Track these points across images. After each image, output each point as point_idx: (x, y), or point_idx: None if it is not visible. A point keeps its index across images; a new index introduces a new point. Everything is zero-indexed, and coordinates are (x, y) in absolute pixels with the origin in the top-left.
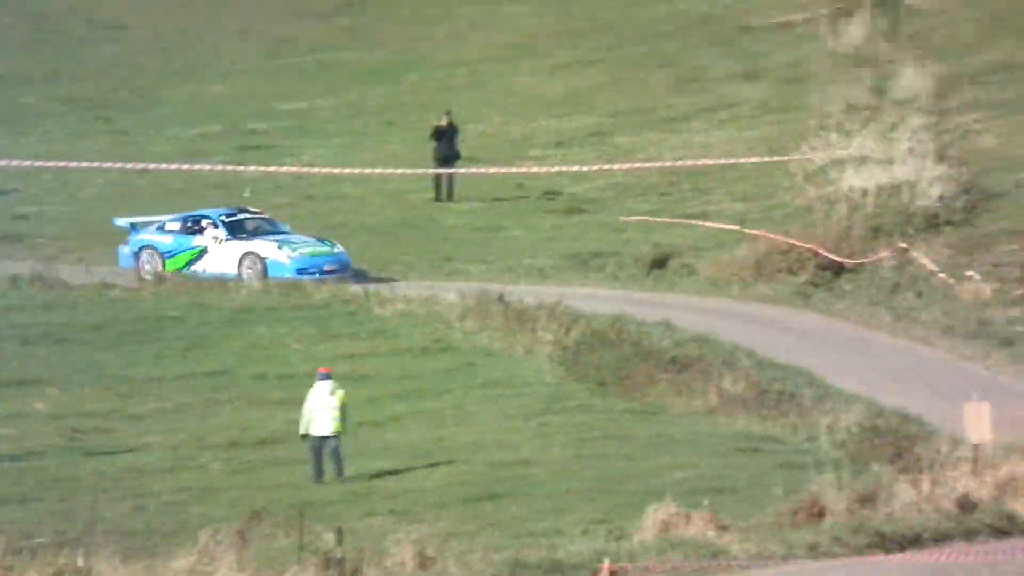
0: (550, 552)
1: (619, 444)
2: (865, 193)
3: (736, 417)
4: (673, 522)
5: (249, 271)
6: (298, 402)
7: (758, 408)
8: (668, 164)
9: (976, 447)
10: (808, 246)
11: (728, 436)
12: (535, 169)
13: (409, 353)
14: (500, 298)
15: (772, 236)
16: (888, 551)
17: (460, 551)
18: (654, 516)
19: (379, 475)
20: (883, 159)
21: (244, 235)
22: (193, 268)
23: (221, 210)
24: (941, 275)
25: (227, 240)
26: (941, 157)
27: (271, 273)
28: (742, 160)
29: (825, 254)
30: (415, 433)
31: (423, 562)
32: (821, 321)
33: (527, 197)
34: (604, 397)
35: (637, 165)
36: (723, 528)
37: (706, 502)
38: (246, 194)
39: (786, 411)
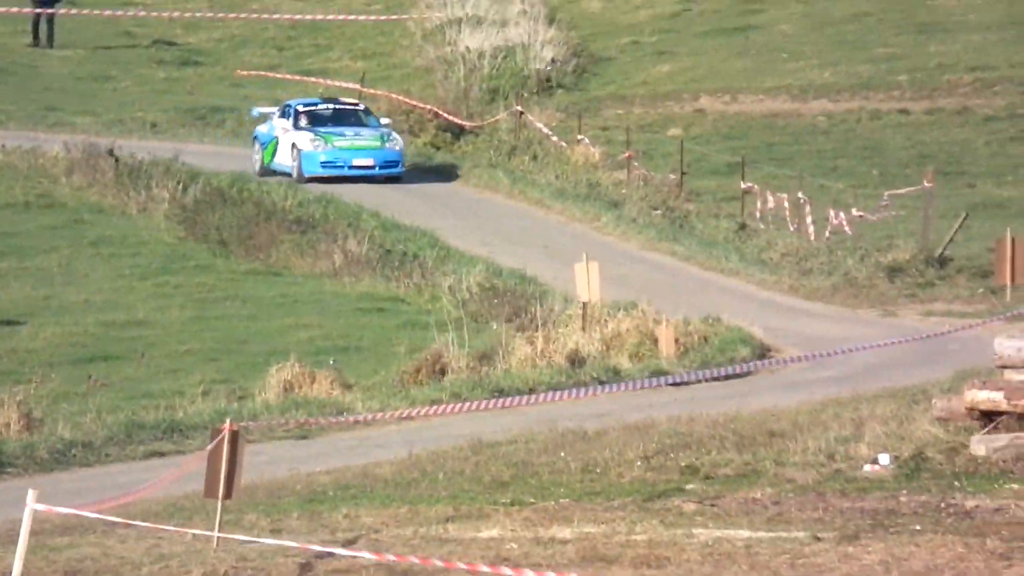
0: (168, 413)
1: (241, 305)
2: (481, 55)
3: (361, 278)
4: (297, 381)
5: (293, 164)
6: None
7: (382, 269)
8: (285, 17)
9: (585, 305)
10: (428, 106)
11: (353, 297)
12: (143, 14)
13: (10, 208)
14: (110, 152)
15: (393, 95)
16: (505, 405)
17: (71, 412)
18: (277, 376)
19: None
20: (497, 20)
21: (312, 125)
22: (273, 161)
23: (308, 99)
24: (554, 138)
25: (290, 131)
26: (551, 20)
27: (304, 168)
28: (360, 17)
29: (445, 115)
30: (19, 292)
31: (30, 424)
32: (443, 182)
33: (136, 46)
34: (225, 258)
35: (253, 16)
36: (347, 387)
37: (331, 361)
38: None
39: (410, 272)
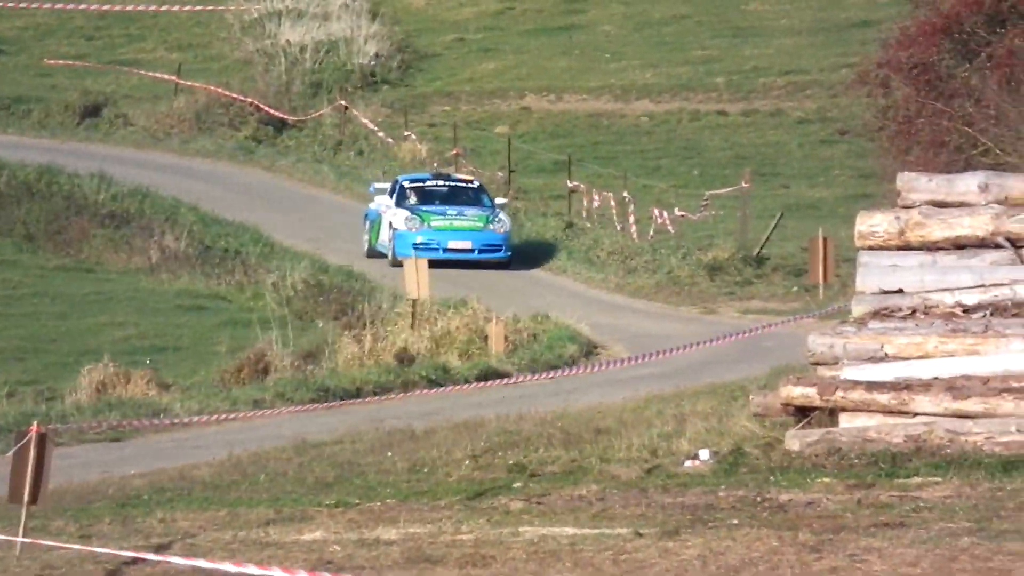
0: None
1: (50, 302)
2: (303, 48)
3: (179, 275)
4: (111, 382)
5: (389, 245)
6: None
7: (202, 266)
8: (93, 7)
9: (414, 303)
10: (249, 100)
11: (171, 294)
12: None
13: None
14: None
15: (211, 88)
16: (331, 404)
17: None
18: (90, 376)
19: None
20: (319, 14)
21: (418, 203)
22: (377, 242)
23: (417, 174)
24: (380, 134)
25: (391, 209)
26: (374, 15)
27: (397, 250)
28: (175, 7)
29: (266, 109)
30: None
31: None
32: (265, 177)
33: None
34: (33, 253)
35: (59, 6)
36: (165, 387)
37: (147, 361)
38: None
39: (231, 269)
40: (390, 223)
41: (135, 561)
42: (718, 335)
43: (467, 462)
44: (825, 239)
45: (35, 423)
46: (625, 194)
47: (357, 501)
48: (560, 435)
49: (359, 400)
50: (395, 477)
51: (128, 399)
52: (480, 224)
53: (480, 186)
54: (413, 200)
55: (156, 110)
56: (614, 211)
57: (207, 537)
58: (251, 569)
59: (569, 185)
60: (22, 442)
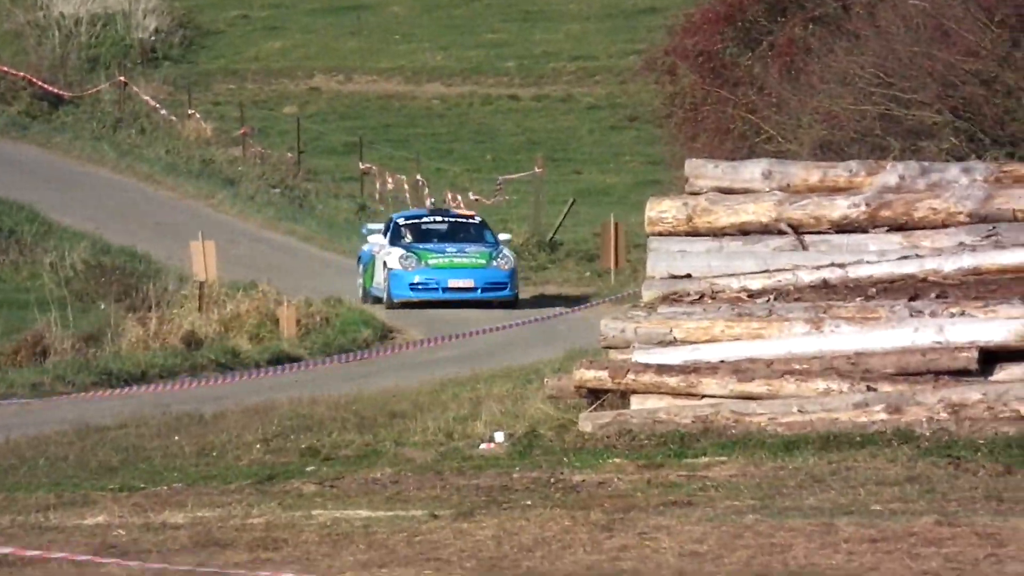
0: None
1: None
2: (78, 21)
3: None
4: None
5: (384, 286)
6: None
7: None
8: None
9: (202, 285)
10: (21, 74)
11: None
12: None
13: None
14: None
15: None
16: (115, 388)
17: None
18: None
19: None
20: None
21: (413, 241)
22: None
23: (413, 211)
24: (163, 112)
25: (385, 248)
26: None
27: (393, 291)
28: None
29: (40, 84)
30: None
31: None
32: (41, 154)
33: None
34: None
35: None
36: None
37: None
38: (432, 200)
39: (5, 248)
40: (384, 263)
41: None
42: (515, 321)
43: (258, 446)
44: (616, 225)
45: None
46: (418, 177)
47: (143, 485)
48: (354, 419)
49: (145, 384)
50: (183, 461)
51: None
52: (483, 261)
53: (482, 222)
54: (409, 238)
55: None
56: (407, 194)
57: None
58: (34, 553)
59: (361, 167)
60: None
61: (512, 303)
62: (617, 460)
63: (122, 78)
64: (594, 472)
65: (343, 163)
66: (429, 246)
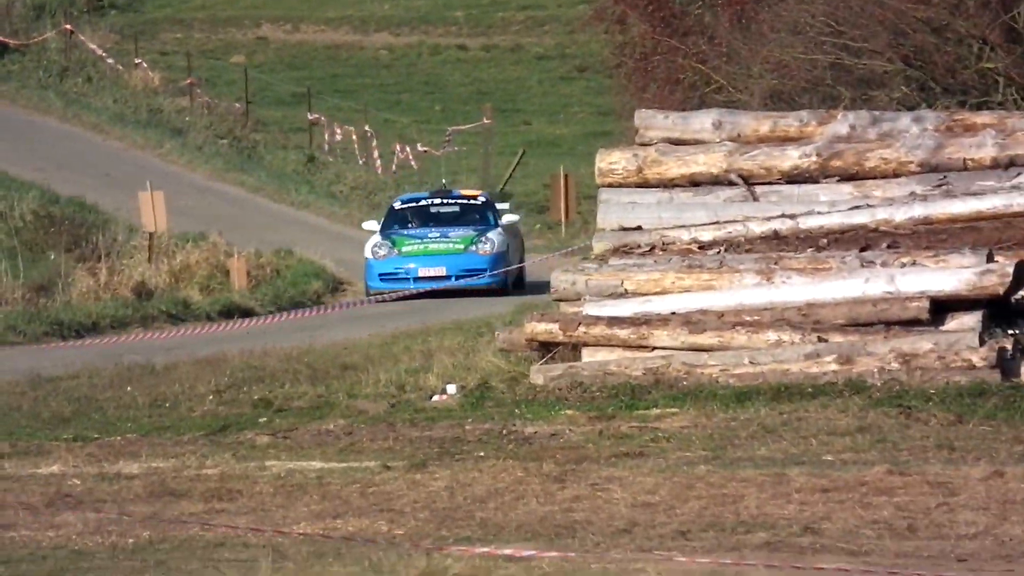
0: None
1: None
2: None
3: None
4: None
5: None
6: None
7: None
8: None
9: (151, 235)
10: None
11: None
12: None
13: None
14: None
15: None
16: (66, 338)
17: None
18: None
19: None
20: None
21: (408, 227)
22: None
23: (413, 194)
24: (110, 61)
25: (377, 235)
26: None
27: (368, 282)
28: None
29: None
30: None
31: None
32: None
33: None
34: None
35: None
36: None
37: None
38: (444, 180)
39: None
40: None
41: None
42: (461, 272)
43: (211, 397)
44: (566, 176)
45: None
46: (367, 128)
47: (96, 436)
48: (306, 371)
49: (96, 335)
50: (136, 412)
51: None
52: (460, 246)
53: (486, 202)
54: (399, 224)
55: None
56: (356, 145)
57: None
58: None
59: (309, 118)
60: None
61: (498, 291)
62: (569, 412)
63: (68, 26)
64: (546, 424)
65: (291, 114)
66: (411, 232)
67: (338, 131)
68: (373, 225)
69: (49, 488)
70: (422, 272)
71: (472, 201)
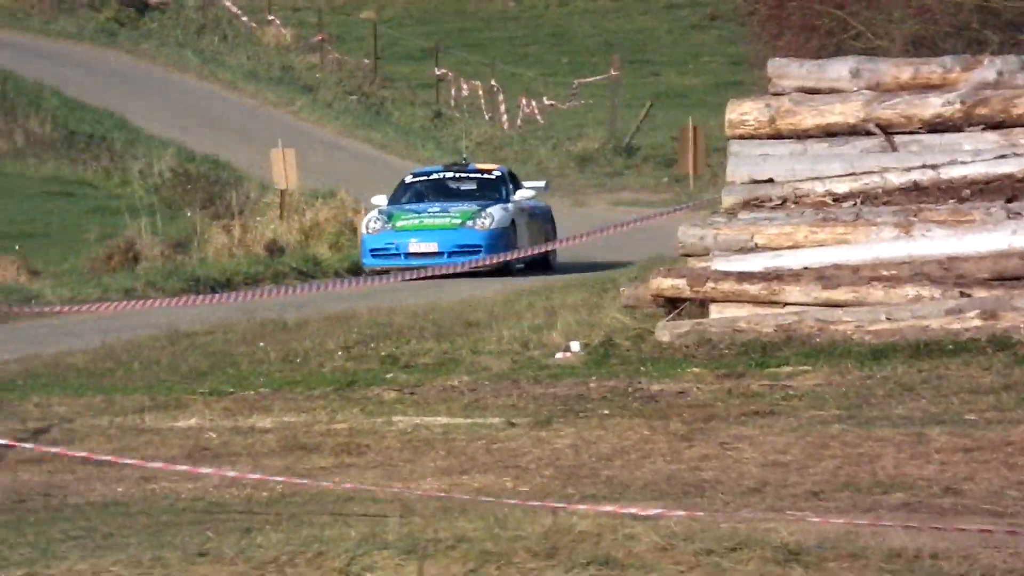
0: None
1: None
2: None
3: (45, 160)
4: None
5: None
6: None
7: (68, 151)
8: None
9: (282, 193)
10: None
11: (37, 180)
12: None
13: None
14: None
15: None
16: (202, 294)
17: None
18: None
19: None
20: None
21: (410, 200)
22: None
23: (429, 167)
24: (244, 18)
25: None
26: None
27: (363, 258)
28: None
29: None
30: None
31: None
32: (128, 61)
33: None
34: None
35: None
36: (35, 273)
37: (16, 247)
38: (464, 148)
39: (97, 155)
40: None
41: (12, 446)
42: (588, 229)
43: (340, 353)
44: (695, 128)
45: None
46: (493, 82)
47: (231, 390)
48: (431, 327)
49: (230, 291)
50: (268, 367)
51: None
52: (457, 221)
53: (501, 176)
54: (412, 197)
55: None
56: (482, 100)
57: (84, 423)
58: (130, 461)
59: (437, 73)
60: None
61: (495, 270)
62: (696, 370)
63: None
64: (672, 382)
65: (419, 69)
66: (411, 206)
67: (465, 86)
68: (381, 200)
69: (187, 441)
70: (412, 247)
71: (487, 175)
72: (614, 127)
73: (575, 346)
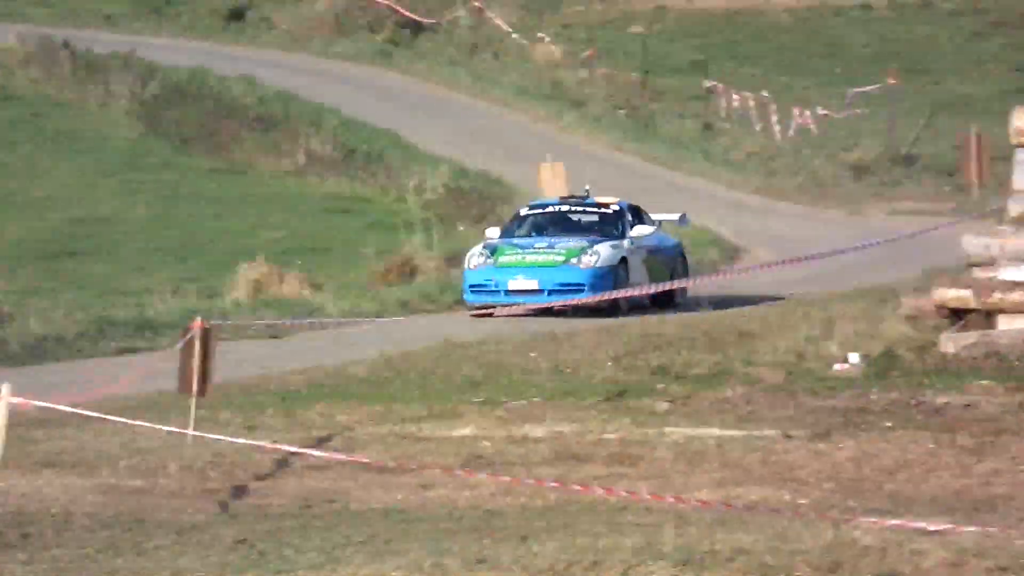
0: (139, 310)
1: (206, 204)
2: None
3: (325, 177)
4: (266, 281)
5: None
6: None
7: (346, 169)
8: None
9: None
10: (386, 3)
11: (317, 197)
12: None
13: None
14: (65, 45)
15: None
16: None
17: (41, 308)
18: (246, 275)
19: None
20: None
21: (523, 234)
22: None
23: (545, 199)
24: (515, 36)
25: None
26: None
27: (465, 295)
28: None
29: (402, 11)
30: None
31: (0, 318)
32: (403, 80)
33: None
34: (188, 155)
35: None
36: (317, 287)
37: (299, 261)
38: (586, 187)
39: (374, 172)
40: None
41: (299, 453)
42: (864, 241)
43: (610, 363)
44: (979, 136)
45: (198, 319)
46: (764, 93)
47: (504, 399)
48: (703, 338)
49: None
50: (540, 377)
51: (283, 297)
52: (560, 258)
53: (620, 211)
54: (523, 231)
55: (298, 13)
56: (753, 111)
57: (364, 431)
58: (410, 466)
59: (706, 85)
60: (187, 336)
61: (601, 309)
62: (984, 382)
63: (478, 3)
64: (958, 394)
65: (688, 82)
66: (518, 241)
67: (735, 97)
68: (494, 232)
69: (463, 449)
70: (512, 285)
71: (604, 210)
72: (892, 136)
73: (854, 358)
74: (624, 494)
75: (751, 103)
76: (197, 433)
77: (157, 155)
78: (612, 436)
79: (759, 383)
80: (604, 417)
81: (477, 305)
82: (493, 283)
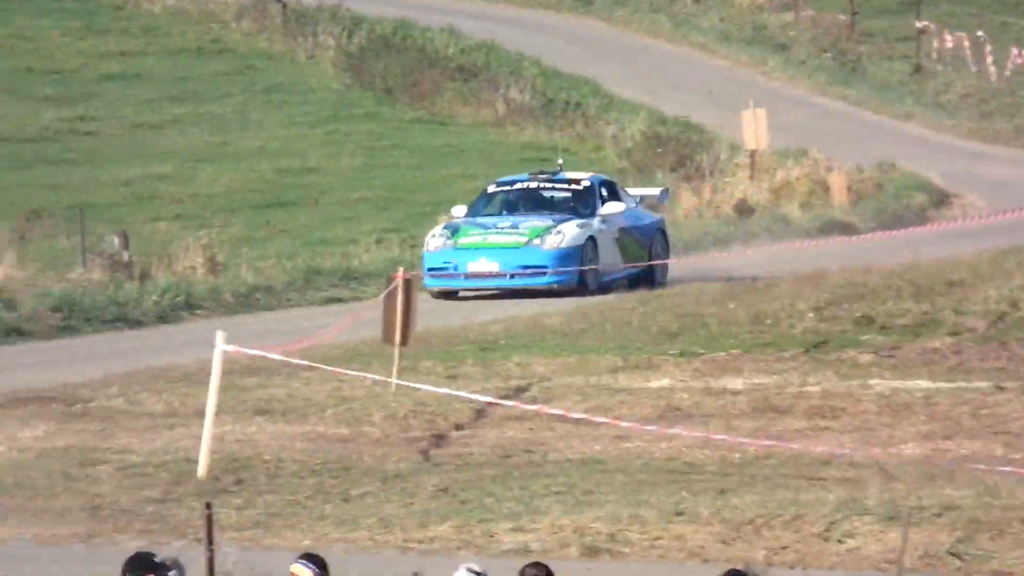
0: (344, 260)
1: (408, 154)
2: None
3: (524, 127)
4: None
5: None
6: (69, 99)
7: (545, 118)
8: None
9: (753, 153)
10: None
11: (516, 147)
12: None
13: (184, 54)
14: None
15: None
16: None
17: (252, 257)
18: None
19: (161, 179)
20: None
21: (486, 214)
22: None
23: (515, 175)
24: None
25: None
26: None
27: (425, 278)
28: None
29: None
30: (196, 137)
31: (213, 268)
32: (603, 28)
33: None
34: (392, 105)
35: None
36: None
37: None
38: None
39: (572, 121)
40: None
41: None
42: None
43: (811, 314)
44: None
45: (400, 269)
46: (980, 33)
47: (701, 351)
48: (909, 287)
49: (699, 251)
50: (737, 328)
51: None
52: (523, 239)
53: (590, 187)
54: (490, 209)
55: None
56: (968, 52)
57: (560, 381)
58: (602, 419)
59: (918, 26)
60: (391, 286)
61: (566, 293)
62: None
63: None
64: None
65: (898, 23)
66: (480, 221)
67: (948, 38)
68: (460, 210)
69: (660, 401)
70: (472, 267)
71: (575, 186)
72: None
73: None
74: (824, 448)
75: (965, 43)
76: (400, 382)
77: (361, 106)
78: (813, 388)
79: (969, 333)
80: (805, 369)
81: (436, 289)
82: (452, 265)
